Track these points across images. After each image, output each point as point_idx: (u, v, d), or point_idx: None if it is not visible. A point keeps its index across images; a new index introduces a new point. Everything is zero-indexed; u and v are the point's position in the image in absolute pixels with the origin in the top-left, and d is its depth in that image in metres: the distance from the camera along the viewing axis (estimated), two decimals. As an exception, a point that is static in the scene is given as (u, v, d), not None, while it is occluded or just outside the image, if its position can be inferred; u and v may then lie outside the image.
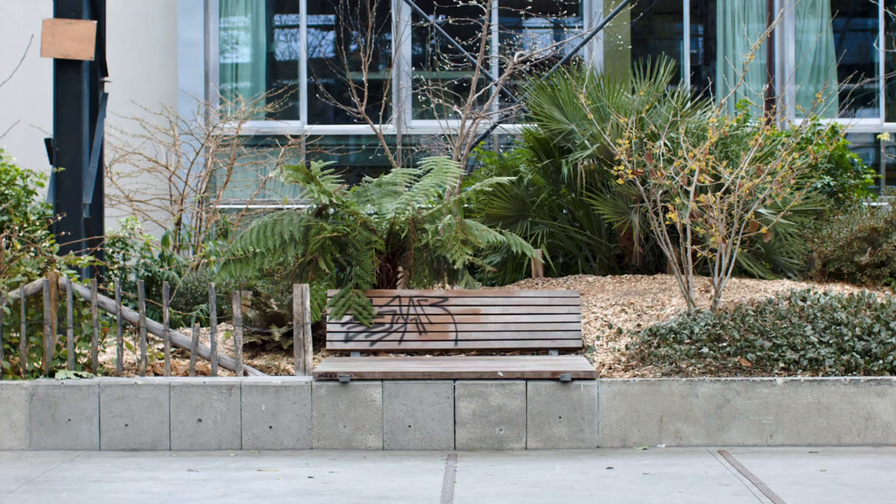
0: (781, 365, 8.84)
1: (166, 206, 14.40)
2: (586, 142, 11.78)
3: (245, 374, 9.17)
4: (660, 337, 9.19)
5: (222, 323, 10.70)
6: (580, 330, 9.57)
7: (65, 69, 10.47)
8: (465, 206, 12.78)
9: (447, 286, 10.66)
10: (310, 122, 16.99)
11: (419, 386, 8.68)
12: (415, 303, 9.67)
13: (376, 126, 13.28)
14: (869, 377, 8.70)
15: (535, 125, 12.51)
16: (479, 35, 13.63)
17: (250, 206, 14.70)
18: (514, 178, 11.84)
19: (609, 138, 10.96)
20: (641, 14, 16.95)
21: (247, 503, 7.08)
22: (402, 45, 16.58)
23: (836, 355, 8.86)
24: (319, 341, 9.90)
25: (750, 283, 10.83)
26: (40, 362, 9.17)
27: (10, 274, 9.30)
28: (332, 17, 17.50)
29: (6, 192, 10.69)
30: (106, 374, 9.14)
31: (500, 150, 16.19)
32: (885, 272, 10.97)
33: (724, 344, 8.98)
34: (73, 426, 8.70)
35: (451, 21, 15.49)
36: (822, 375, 8.79)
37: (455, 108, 13.76)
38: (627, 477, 7.70)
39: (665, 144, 10.73)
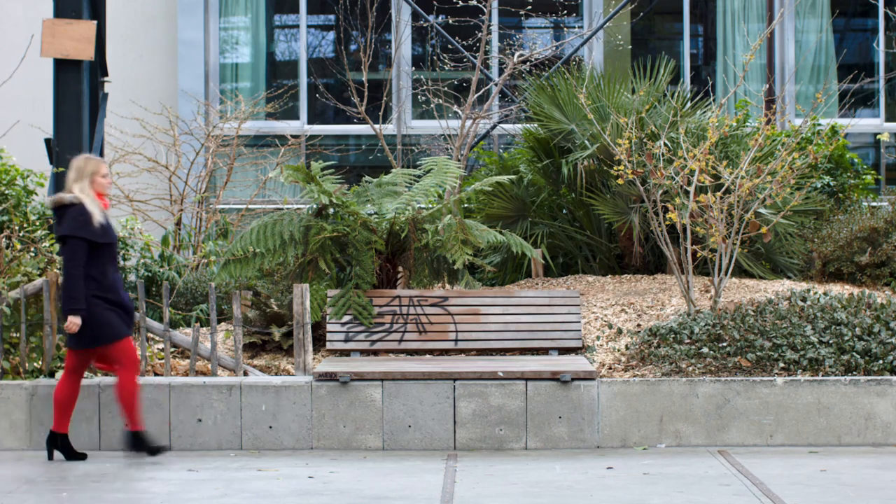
0: (781, 365, 8.84)
1: (166, 206, 14.39)
2: (586, 142, 11.78)
3: (245, 374, 9.17)
4: (660, 337, 9.18)
5: (222, 323, 10.70)
6: (580, 330, 9.57)
7: (65, 69, 10.46)
8: (465, 206, 12.77)
9: (447, 286, 10.66)
10: (310, 122, 17.00)
11: (419, 386, 8.68)
12: (415, 303, 9.67)
13: (376, 126, 13.28)
14: (869, 377, 8.70)
15: (535, 125, 12.51)
16: (479, 35, 13.63)
17: (250, 206, 14.70)
18: (514, 177, 11.81)
19: (609, 138, 10.96)
20: (641, 14, 16.95)
21: (247, 503, 7.08)
22: (402, 45, 16.58)
23: (836, 355, 8.86)
24: (319, 341, 9.90)
25: (750, 283, 10.83)
26: (40, 362, 9.17)
27: (10, 274, 9.30)
28: (332, 17, 17.50)
29: (6, 192, 10.69)
30: (106, 374, 9.14)
31: (500, 150, 16.19)
32: (885, 272, 10.96)
33: (724, 344, 8.98)
34: (73, 426, 8.69)
35: (451, 21, 15.49)
36: (822, 375, 8.78)
37: (455, 108, 13.75)
38: (627, 477, 7.70)
39: (665, 144, 10.73)
